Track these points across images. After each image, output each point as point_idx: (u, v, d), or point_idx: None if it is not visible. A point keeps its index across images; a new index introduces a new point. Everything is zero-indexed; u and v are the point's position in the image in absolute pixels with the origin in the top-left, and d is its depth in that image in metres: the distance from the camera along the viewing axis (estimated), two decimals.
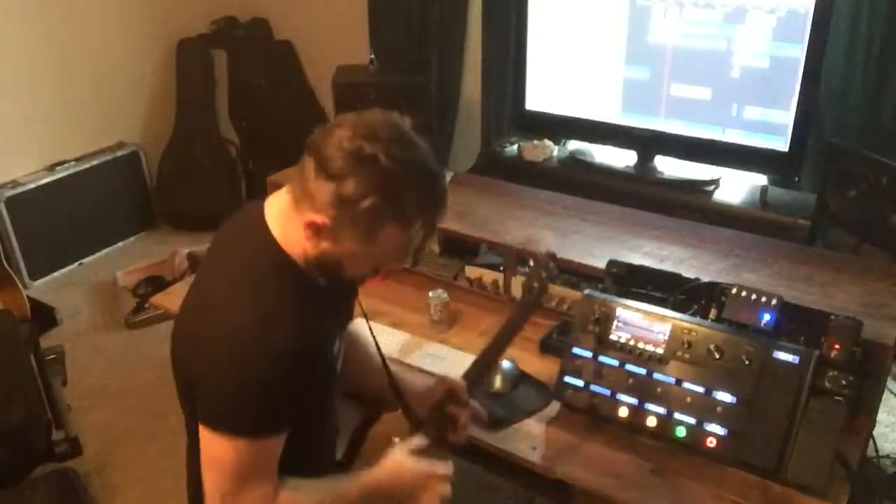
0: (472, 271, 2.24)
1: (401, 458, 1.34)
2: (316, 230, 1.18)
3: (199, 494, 1.30)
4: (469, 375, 1.58)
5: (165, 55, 4.17)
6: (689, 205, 2.70)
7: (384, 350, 1.94)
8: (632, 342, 1.68)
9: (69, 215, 3.79)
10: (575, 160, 3.05)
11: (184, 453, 1.42)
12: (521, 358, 1.89)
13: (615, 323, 1.71)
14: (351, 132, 1.15)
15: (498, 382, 1.78)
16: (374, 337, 1.56)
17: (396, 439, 1.42)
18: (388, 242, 1.20)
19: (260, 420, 1.20)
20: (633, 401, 1.64)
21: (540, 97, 3.08)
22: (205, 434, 1.21)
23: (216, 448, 1.21)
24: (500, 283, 2.17)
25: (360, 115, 1.20)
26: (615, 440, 1.65)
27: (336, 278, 1.27)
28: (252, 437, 1.20)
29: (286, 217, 1.23)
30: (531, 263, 1.76)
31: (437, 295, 2.04)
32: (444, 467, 1.35)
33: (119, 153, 4.01)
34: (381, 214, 1.16)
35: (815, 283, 1.88)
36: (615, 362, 1.68)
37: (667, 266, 1.92)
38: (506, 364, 1.83)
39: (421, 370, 1.87)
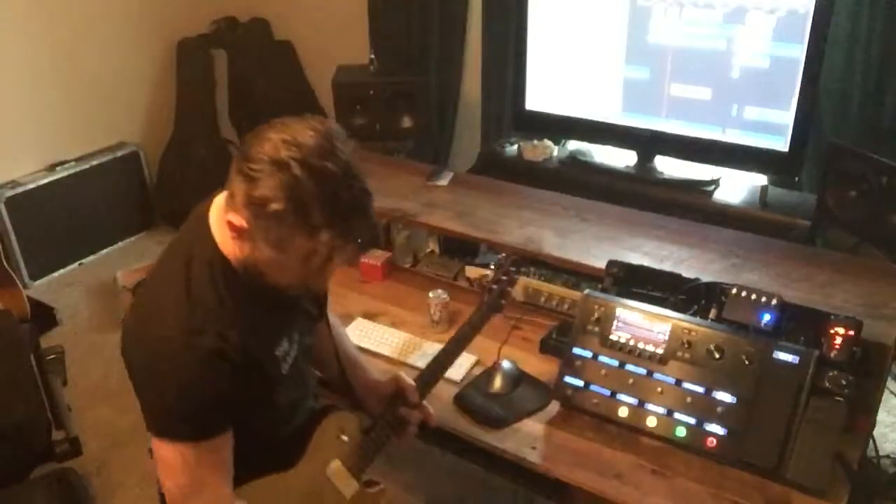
0: (472, 271, 2.24)
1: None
2: (237, 232, 1.20)
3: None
4: (421, 378, 1.62)
5: (165, 55, 4.17)
6: (689, 205, 2.70)
7: (384, 350, 1.95)
8: (632, 342, 1.68)
9: (69, 215, 3.79)
10: (575, 160, 3.05)
11: None
12: (521, 358, 1.89)
13: (615, 323, 1.71)
14: (278, 136, 1.15)
15: (498, 382, 1.78)
16: (331, 327, 1.60)
17: (344, 437, 1.50)
18: (297, 253, 1.19)
19: (196, 425, 1.23)
20: (633, 401, 1.64)
21: (540, 97, 3.08)
22: (154, 441, 1.26)
23: (165, 453, 1.25)
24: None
25: (297, 120, 1.19)
26: (615, 440, 1.65)
27: (262, 284, 1.26)
28: (193, 442, 1.23)
29: (221, 216, 1.24)
30: (492, 267, 1.78)
31: (437, 295, 2.04)
32: None
33: (119, 153, 4.01)
34: (288, 221, 1.14)
35: (815, 283, 1.88)
36: (615, 362, 1.68)
37: (667, 266, 1.92)
38: (506, 364, 1.83)
39: (420, 370, 1.87)
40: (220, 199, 1.27)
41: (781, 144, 2.61)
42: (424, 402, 1.61)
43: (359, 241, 1.22)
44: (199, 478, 1.26)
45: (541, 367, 1.86)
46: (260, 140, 1.16)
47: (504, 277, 1.84)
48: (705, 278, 1.82)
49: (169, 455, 1.24)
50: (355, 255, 1.23)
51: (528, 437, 1.66)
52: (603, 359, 1.69)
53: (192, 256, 1.26)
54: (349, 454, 1.52)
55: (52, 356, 2.97)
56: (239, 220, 1.18)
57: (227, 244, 1.25)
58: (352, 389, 1.62)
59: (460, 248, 2.49)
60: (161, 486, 1.29)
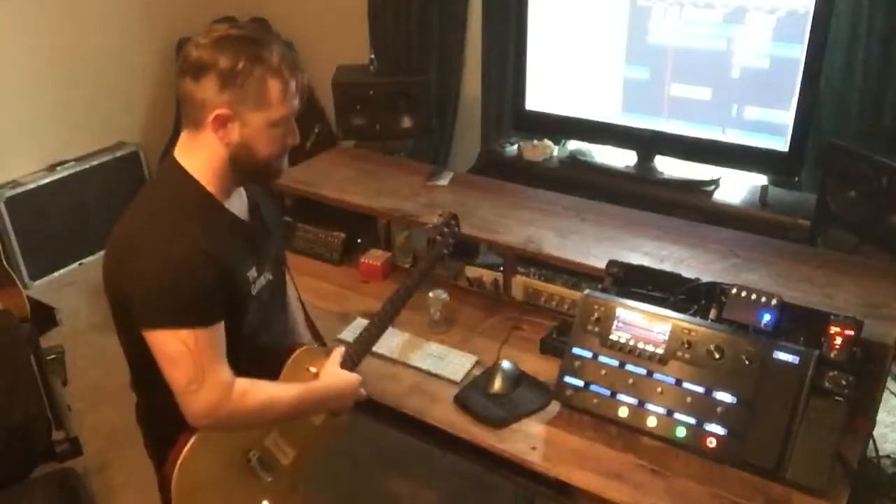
0: (472, 271, 2.24)
1: (340, 372, 1.61)
2: (221, 121, 1.35)
3: (152, 433, 1.58)
4: (358, 340, 1.73)
5: (165, 55, 4.17)
6: (689, 205, 2.70)
7: (384, 350, 1.95)
8: (632, 342, 1.68)
9: (69, 215, 3.79)
10: (575, 160, 3.05)
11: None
12: (521, 358, 1.89)
13: (615, 323, 1.71)
14: (199, 37, 1.35)
15: (498, 382, 1.78)
16: (295, 284, 1.76)
17: (312, 369, 1.62)
18: (274, 97, 1.36)
19: (190, 311, 1.34)
20: (633, 401, 1.64)
21: (540, 97, 3.08)
22: (154, 337, 1.35)
23: (167, 346, 1.35)
24: (500, 282, 2.17)
25: (194, 35, 1.38)
26: (615, 440, 1.65)
27: (254, 170, 1.43)
28: (192, 327, 1.34)
29: (190, 146, 1.40)
30: (434, 221, 1.89)
31: (437, 295, 2.04)
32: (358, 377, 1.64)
33: (119, 153, 4.01)
34: (258, 72, 1.33)
35: (815, 283, 1.88)
36: (615, 362, 1.68)
37: (667, 266, 1.92)
38: (506, 364, 1.83)
39: (420, 370, 1.87)
40: (181, 141, 1.42)
41: (781, 144, 2.61)
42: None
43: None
44: (202, 365, 1.35)
45: (541, 367, 1.86)
46: (187, 52, 1.34)
47: (446, 229, 1.96)
48: (705, 278, 1.82)
49: (172, 346, 1.34)
50: (304, 76, 1.45)
51: (528, 437, 1.66)
52: (603, 359, 1.69)
53: (163, 188, 1.44)
54: None
55: (52, 356, 2.97)
56: (223, 109, 1.33)
57: (200, 168, 1.40)
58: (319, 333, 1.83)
59: (460, 248, 2.48)
60: (171, 385, 1.38)
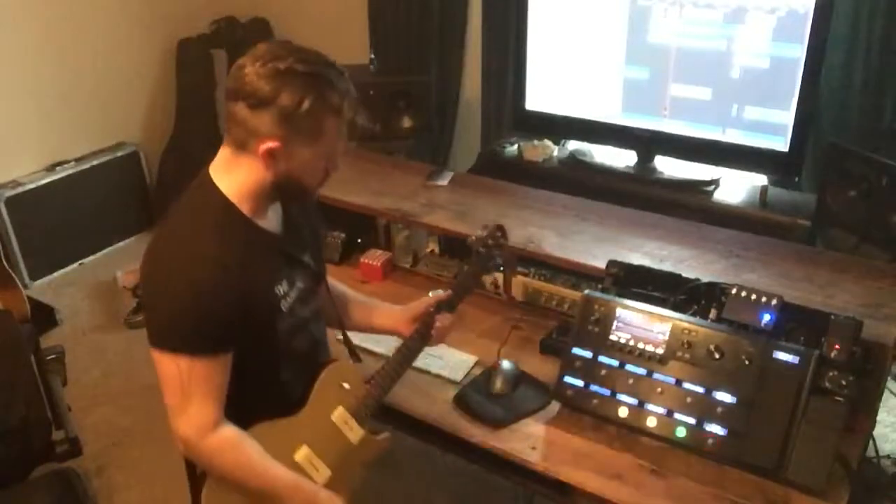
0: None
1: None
2: (271, 155, 1.32)
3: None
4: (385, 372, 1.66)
5: (165, 55, 4.17)
6: (689, 205, 2.70)
7: (383, 350, 1.95)
8: (632, 342, 1.68)
9: (69, 215, 3.79)
10: (575, 160, 3.05)
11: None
12: (521, 358, 1.89)
13: (615, 323, 1.71)
14: (259, 63, 1.29)
15: (498, 382, 1.78)
16: (328, 286, 1.70)
17: (346, 385, 1.59)
18: (331, 134, 1.35)
19: (194, 338, 1.32)
20: (633, 401, 1.64)
21: (540, 97, 3.08)
22: (154, 355, 1.35)
23: (163, 366, 1.34)
24: (500, 282, 2.17)
25: (252, 53, 1.33)
26: (615, 440, 1.65)
27: (297, 195, 1.44)
28: (190, 355, 1.32)
29: (230, 166, 1.38)
30: (479, 233, 1.83)
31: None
32: None
33: (119, 153, 4.01)
34: (319, 111, 1.31)
35: (815, 283, 1.88)
36: (615, 362, 1.68)
37: (667, 266, 1.92)
38: (506, 364, 1.83)
39: (420, 370, 1.86)
40: (220, 158, 1.40)
41: (781, 144, 2.62)
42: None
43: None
44: (189, 394, 1.34)
45: (541, 367, 1.86)
46: (246, 76, 1.29)
47: (491, 241, 1.83)
48: (705, 278, 1.82)
49: (166, 368, 1.34)
50: (360, 110, 1.45)
51: (528, 437, 1.66)
52: (603, 359, 1.69)
53: (196, 207, 1.39)
54: (352, 402, 1.59)
55: (52, 356, 2.97)
56: (273, 143, 1.31)
57: (237, 190, 1.37)
58: (380, 329, 1.76)
59: (460, 248, 2.48)
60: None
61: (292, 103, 1.28)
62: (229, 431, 1.39)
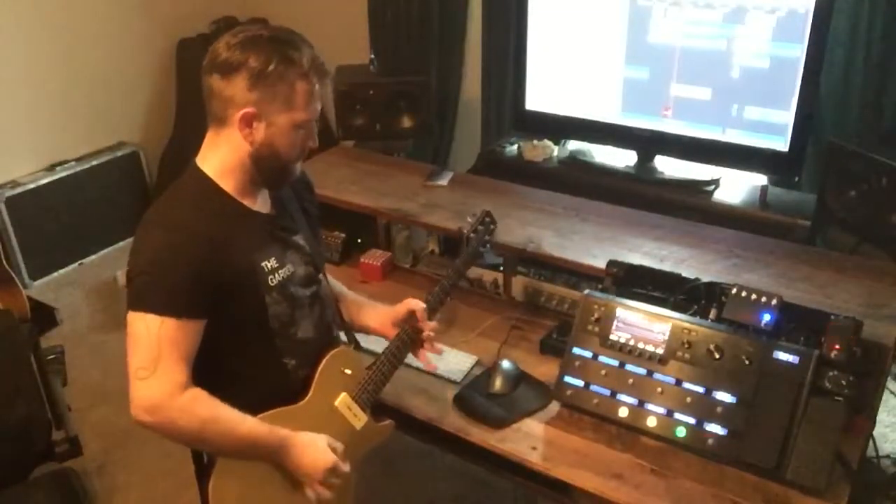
0: (472, 271, 2.24)
1: (318, 442, 1.46)
2: (248, 120, 1.37)
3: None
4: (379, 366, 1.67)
5: (165, 55, 4.17)
6: (689, 205, 2.70)
7: (383, 349, 1.95)
8: (632, 342, 1.68)
9: (69, 215, 3.79)
10: (575, 160, 3.05)
11: (184, 454, 1.47)
12: (521, 358, 1.89)
13: (615, 323, 1.71)
14: (228, 36, 1.38)
15: (498, 382, 1.78)
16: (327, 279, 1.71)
17: (348, 371, 1.59)
18: (302, 98, 1.39)
19: (168, 298, 1.33)
20: (633, 401, 1.64)
21: (540, 97, 3.08)
22: (128, 317, 1.35)
23: (133, 326, 1.34)
24: (500, 282, 2.17)
25: (225, 32, 1.42)
26: (615, 440, 1.65)
27: (274, 171, 1.45)
28: (161, 314, 1.33)
29: (211, 144, 1.44)
30: (468, 219, 1.87)
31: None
32: (345, 470, 1.48)
33: (119, 153, 4.02)
34: (287, 73, 1.36)
35: (815, 283, 1.88)
36: (615, 362, 1.68)
37: (667, 266, 1.92)
38: (506, 364, 1.83)
39: (420, 370, 1.86)
40: (204, 143, 1.46)
41: (781, 144, 2.61)
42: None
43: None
44: (158, 356, 1.32)
45: (541, 367, 1.86)
46: (216, 49, 1.37)
47: (481, 226, 1.93)
48: (705, 278, 1.82)
49: (136, 328, 1.34)
50: (329, 81, 1.50)
51: (528, 437, 1.66)
52: (603, 359, 1.69)
53: (180, 186, 1.45)
54: (355, 387, 1.59)
55: (52, 356, 2.96)
56: (250, 108, 1.36)
57: (219, 168, 1.43)
58: (362, 329, 1.77)
59: (460, 249, 2.48)
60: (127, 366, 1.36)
61: (259, 64, 1.33)
62: (198, 390, 1.37)
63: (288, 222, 1.57)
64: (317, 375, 1.54)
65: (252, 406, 1.42)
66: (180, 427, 1.35)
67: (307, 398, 1.52)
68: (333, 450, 1.47)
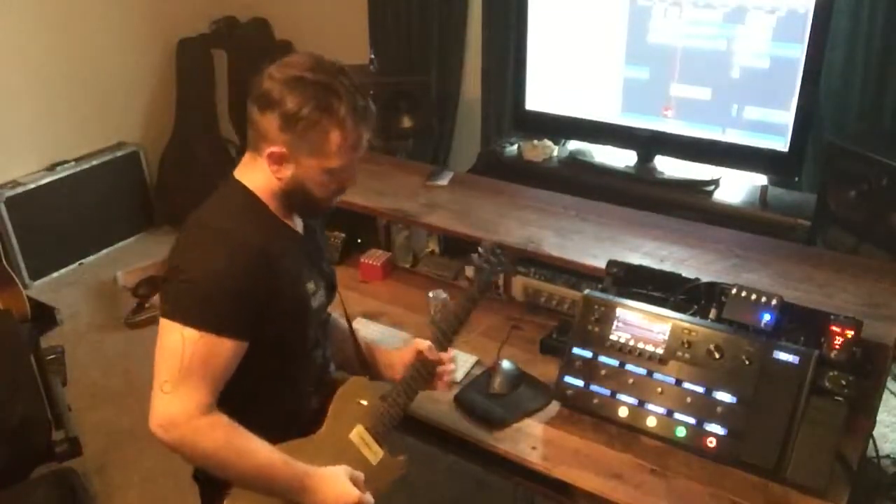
0: (472, 271, 2.23)
1: (340, 476, 1.39)
2: (276, 159, 1.34)
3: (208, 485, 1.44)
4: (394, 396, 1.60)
5: (165, 55, 4.17)
6: (689, 205, 2.70)
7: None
8: (632, 342, 1.68)
9: (69, 215, 3.80)
10: (575, 160, 3.05)
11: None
12: (521, 358, 1.89)
13: (615, 323, 1.71)
14: (276, 68, 1.33)
15: (498, 382, 1.78)
16: (344, 307, 1.67)
17: (364, 402, 1.53)
18: (333, 148, 1.33)
19: (210, 314, 1.28)
20: (633, 401, 1.64)
21: (540, 97, 3.08)
22: (161, 324, 1.30)
23: (167, 336, 1.29)
24: (500, 282, 2.17)
25: (281, 59, 1.36)
26: (615, 440, 1.65)
27: (306, 206, 1.43)
28: (200, 329, 1.27)
29: (250, 167, 1.40)
30: (479, 251, 1.79)
31: (437, 295, 2.04)
32: (370, 502, 1.42)
33: (119, 153, 4.02)
34: (321, 121, 1.30)
35: (815, 283, 1.88)
36: (615, 362, 1.68)
37: (667, 266, 1.92)
38: (506, 364, 1.83)
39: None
40: (243, 161, 1.41)
41: (781, 144, 2.61)
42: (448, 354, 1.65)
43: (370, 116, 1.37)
44: (185, 372, 1.27)
45: (541, 367, 1.86)
46: (261, 79, 1.33)
47: (493, 258, 1.81)
48: (705, 278, 1.82)
49: (171, 338, 1.28)
50: (372, 128, 1.41)
51: (528, 437, 1.66)
52: (603, 359, 1.69)
53: (225, 200, 1.40)
54: (370, 419, 1.52)
55: (52, 356, 2.97)
56: (279, 148, 1.32)
57: (260, 187, 1.38)
58: (373, 372, 1.67)
59: (460, 248, 2.48)
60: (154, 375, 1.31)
61: (294, 107, 1.29)
62: (220, 416, 1.31)
63: (316, 245, 1.55)
64: (332, 405, 1.49)
65: (264, 429, 1.35)
66: (194, 449, 1.30)
67: (322, 429, 1.47)
68: (355, 480, 1.41)
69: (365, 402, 1.53)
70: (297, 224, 1.48)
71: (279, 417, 1.44)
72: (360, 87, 1.35)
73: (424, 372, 1.58)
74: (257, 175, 1.38)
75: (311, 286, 1.45)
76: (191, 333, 1.27)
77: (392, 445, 1.56)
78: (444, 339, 1.63)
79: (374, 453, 1.51)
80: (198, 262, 1.30)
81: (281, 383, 1.45)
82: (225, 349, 1.30)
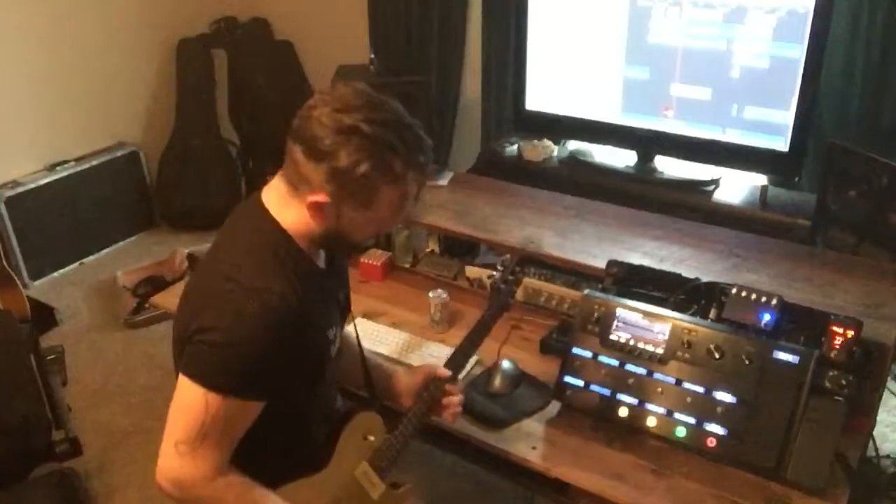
0: (472, 271, 2.24)
1: None
2: (318, 209, 1.25)
3: None
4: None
5: (165, 55, 4.17)
6: (689, 205, 2.70)
7: (384, 350, 1.95)
8: (632, 342, 1.68)
9: (69, 215, 3.79)
10: (575, 160, 3.05)
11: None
12: (521, 358, 1.89)
13: (615, 323, 1.71)
14: (328, 109, 1.21)
15: (498, 382, 1.78)
16: (357, 336, 1.62)
17: (371, 438, 1.51)
18: (385, 203, 1.26)
19: (240, 380, 1.23)
20: (633, 401, 1.64)
21: (540, 97, 3.08)
22: (183, 382, 1.24)
23: (188, 395, 1.23)
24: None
25: (331, 92, 1.26)
26: (615, 440, 1.65)
27: (342, 248, 1.39)
28: (227, 395, 1.22)
29: (285, 202, 1.29)
30: (499, 267, 1.77)
31: (437, 295, 2.04)
32: None
33: (119, 153, 4.01)
34: (375, 179, 1.22)
35: (815, 283, 1.88)
36: (615, 362, 1.68)
37: (667, 266, 1.92)
38: (506, 364, 1.83)
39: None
40: (276, 189, 1.31)
41: (781, 144, 2.61)
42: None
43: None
44: (203, 435, 1.22)
45: (541, 367, 1.86)
46: (311, 119, 1.21)
47: (511, 277, 1.84)
48: (705, 278, 1.82)
49: (191, 398, 1.22)
50: (426, 180, 1.35)
51: (528, 437, 1.66)
52: (603, 359, 1.69)
53: (255, 239, 1.30)
54: (376, 456, 1.51)
55: (52, 356, 2.97)
56: (323, 198, 1.23)
57: (293, 226, 1.30)
58: (377, 394, 1.63)
59: (460, 248, 2.49)
60: (166, 430, 1.26)
61: (348, 165, 1.19)
62: (235, 477, 1.29)
63: (336, 273, 1.49)
64: (339, 441, 1.48)
65: (267, 465, 1.34)
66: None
67: (328, 467, 1.46)
68: None
69: (372, 438, 1.51)
70: (321, 257, 1.41)
71: (283, 453, 1.41)
72: (419, 139, 1.27)
73: (431, 399, 1.55)
74: (292, 213, 1.29)
75: (331, 333, 1.40)
76: (214, 398, 1.21)
77: (395, 476, 1.55)
78: (458, 366, 1.63)
79: (376, 488, 1.50)
80: (228, 325, 1.21)
81: (287, 421, 1.40)
82: (248, 411, 1.27)
